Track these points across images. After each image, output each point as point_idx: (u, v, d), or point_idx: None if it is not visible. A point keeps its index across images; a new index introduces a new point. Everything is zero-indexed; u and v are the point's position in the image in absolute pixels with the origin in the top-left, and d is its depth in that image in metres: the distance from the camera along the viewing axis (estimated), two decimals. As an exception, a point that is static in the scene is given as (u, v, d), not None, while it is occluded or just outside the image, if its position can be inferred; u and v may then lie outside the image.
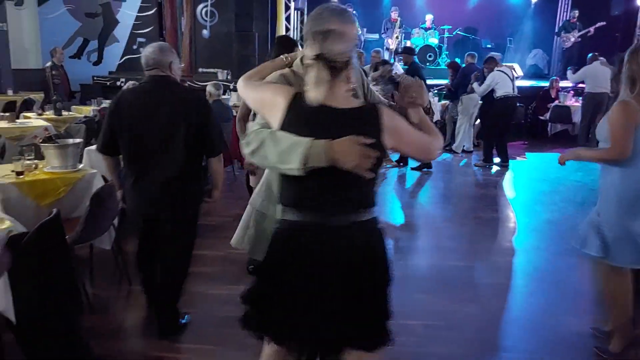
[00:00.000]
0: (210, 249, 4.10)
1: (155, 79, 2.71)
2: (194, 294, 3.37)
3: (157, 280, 2.94)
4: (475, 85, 7.63)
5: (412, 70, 7.08)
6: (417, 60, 8.50)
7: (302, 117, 1.62)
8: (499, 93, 7.19)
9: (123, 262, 3.58)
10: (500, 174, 7.25)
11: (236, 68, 10.19)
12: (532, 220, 5.33)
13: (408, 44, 11.94)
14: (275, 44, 3.35)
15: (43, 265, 2.45)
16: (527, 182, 7.10)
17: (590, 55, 8.78)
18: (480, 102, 7.84)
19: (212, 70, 10.93)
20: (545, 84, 10.22)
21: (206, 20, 11.46)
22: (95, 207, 3.11)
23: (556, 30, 12.25)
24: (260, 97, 1.76)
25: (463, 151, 8.42)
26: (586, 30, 11.01)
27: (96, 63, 11.89)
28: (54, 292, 2.48)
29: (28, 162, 3.42)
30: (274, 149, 1.60)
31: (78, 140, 3.72)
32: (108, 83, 10.90)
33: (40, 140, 3.59)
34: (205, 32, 11.42)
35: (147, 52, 2.71)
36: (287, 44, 3.19)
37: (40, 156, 3.63)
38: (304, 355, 1.91)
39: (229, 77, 10.47)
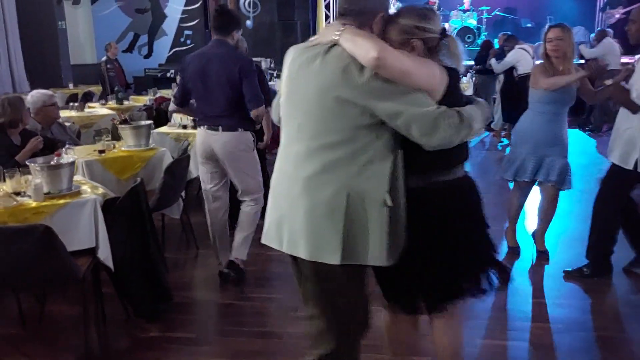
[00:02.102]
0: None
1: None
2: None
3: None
4: (492, 61, 7.51)
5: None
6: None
7: (454, 90, 1.73)
8: (520, 71, 7.04)
9: (191, 229, 4.06)
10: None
11: (279, 56, 10.51)
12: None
13: (446, 26, 12.06)
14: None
15: (134, 223, 2.93)
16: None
17: (598, 30, 8.62)
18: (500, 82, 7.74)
19: (256, 59, 11.34)
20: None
21: (249, 11, 11.90)
22: (168, 179, 3.58)
23: (600, 6, 12.08)
24: (416, 71, 1.60)
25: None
26: (632, 7, 10.83)
27: (147, 56, 12.56)
28: (143, 244, 2.96)
29: (107, 141, 3.92)
30: (479, 120, 1.68)
31: (149, 122, 4.21)
32: (159, 75, 11.52)
33: (118, 123, 4.08)
34: (248, 22, 11.86)
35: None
36: None
37: (117, 137, 4.13)
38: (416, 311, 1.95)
39: (272, 65, 10.90)
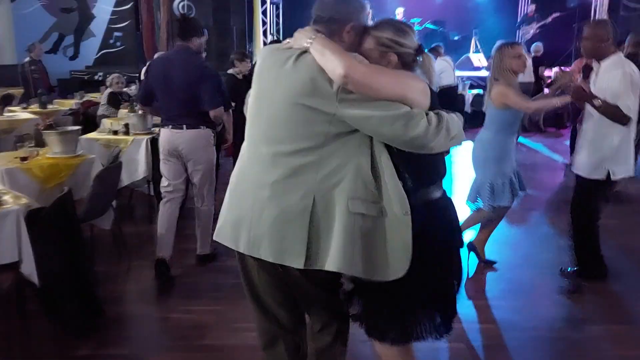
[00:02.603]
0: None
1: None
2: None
3: None
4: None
5: None
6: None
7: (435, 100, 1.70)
8: (443, 82, 7.20)
9: (122, 241, 3.88)
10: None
11: (215, 61, 10.42)
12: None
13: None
14: None
15: (61, 234, 2.76)
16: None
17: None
18: None
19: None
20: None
21: (183, 14, 11.64)
22: (97, 188, 3.41)
23: (517, 24, 12.83)
24: (403, 84, 1.64)
25: None
26: (544, 21, 11.59)
27: (72, 58, 11.98)
28: (71, 257, 2.80)
29: (30, 148, 3.68)
30: (457, 127, 1.66)
31: (77, 127, 4.00)
32: (86, 77, 11.04)
33: (42, 128, 3.85)
34: (182, 26, 11.61)
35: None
36: None
37: (40, 143, 3.89)
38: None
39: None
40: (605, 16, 10.70)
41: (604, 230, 3.49)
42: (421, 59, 1.78)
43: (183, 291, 3.42)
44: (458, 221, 1.89)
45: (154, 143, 4.61)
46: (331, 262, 1.61)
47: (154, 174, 4.60)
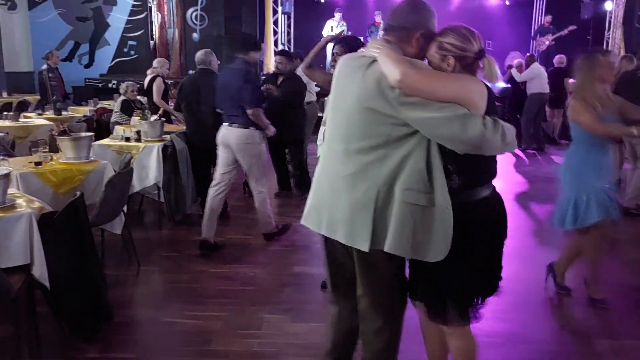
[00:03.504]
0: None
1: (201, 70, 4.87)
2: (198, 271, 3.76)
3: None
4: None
5: None
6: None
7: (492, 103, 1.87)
8: None
9: (132, 245, 3.92)
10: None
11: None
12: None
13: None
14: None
15: (72, 238, 2.80)
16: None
17: (523, 57, 9.19)
18: None
19: (202, 72, 11.25)
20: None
21: (196, 24, 11.78)
22: (109, 193, 3.45)
23: (532, 35, 12.80)
24: (461, 87, 1.79)
25: None
26: (560, 33, 11.55)
27: (87, 66, 12.15)
28: (81, 261, 2.84)
29: (44, 153, 3.75)
30: (511, 134, 1.83)
31: (90, 133, 4.06)
32: (100, 85, 11.18)
33: (56, 134, 3.91)
34: (195, 35, 11.74)
35: (198, 54, 4.92)
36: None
37: (54, 148, 3.96)
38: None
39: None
40: (619, 28, 10.68)
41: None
42: (483, 63, 1.90)
43: (190, 296, 3.45)
44: (505, 217, 2.03)
45: (165, 150, 4.69)
46: (387, 244, 1.82)
47: (165, 181, 4.68)
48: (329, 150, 1.99)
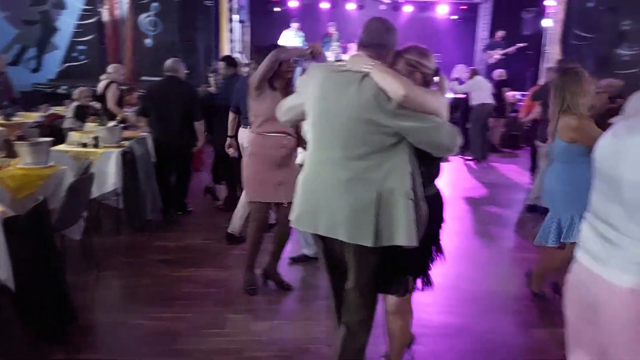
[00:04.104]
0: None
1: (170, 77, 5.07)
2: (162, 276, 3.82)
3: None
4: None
5: None
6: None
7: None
8: None
9: (92, 251, 3.93)
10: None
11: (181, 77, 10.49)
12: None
13: (344, 57, 12.69)
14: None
15: (37, 242, 2.83)
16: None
17: (467, 69, 9.67)
18: None
19: (156, 78, 11.14)
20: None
21: (149, 30, 11.68)
22: (70, 198, 3.47)
23: (483, 47, 13.42)
24: (431, 99, 2.08)
25: None
26: (509, 49, 12.17)
27: (35, 70, 11.79)
28: (46, 264, 2.86)
29: (2, 158, 3.72)
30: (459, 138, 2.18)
31: (49, 138, 4.04)
32: (48, 90, 10.88)
33: (14, 139, 3.88)
34: (148, 41, 11.64)
35: (168, 62, 5.15)
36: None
37: (12, 154, 3.92)
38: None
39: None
40: (557, 44, 11.36)
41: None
42: (438, 79, 2.22)
43: (153, 299, 3.51)
44: (442, 214, 2.38)
45: (124, 156, 4.70)
46: (399, 238, 2.09)
47: (124, 187, 4.68)
48: (320, 158, 2.19)
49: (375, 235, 2.09)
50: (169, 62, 5.15)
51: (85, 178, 3.71)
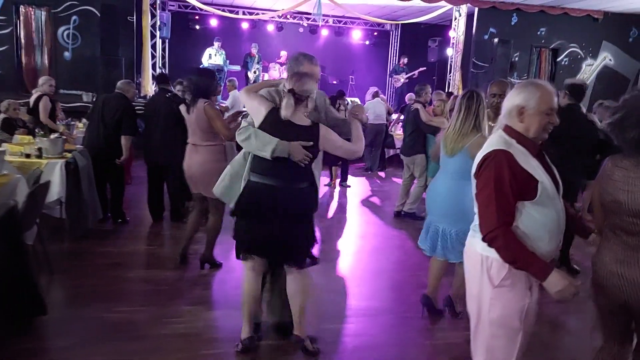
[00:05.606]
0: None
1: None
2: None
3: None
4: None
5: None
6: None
7: (274, 124, 2.80)
8: None
9: (45, 254, 4.15)
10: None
11: (102, 91, 10.49)
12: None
13: (265, 76, 13.28)
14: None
15: (6, 241, 3.12)
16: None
17: (373, 91, 10.63)
18: None
19: (76, 92, 11.10)
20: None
21: (68, 43, 11.58)
22: (30, 204, 3.72)
23: (389, 72, 14.59)
24: (251, 105, 2.89)
25: None
26: (412, 73, 13.40)
27: (-57, 81, 11.24)
28: (15, 260, 3.15)
29: (-46, 167, 3.88)
30: (255, 141, 2.79)
31: (3, 148, 4.22)
32: (-41, 102, 10.44)
33: (-33, 149, 4.04)
34: (67, 54, 11.54)
35: (120, 83, 5.74)
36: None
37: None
38: (265, 268, 3.12)
39: (94, 99, 10.74)
40: (458, 71, 12.68)
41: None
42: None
43: (111, 297, 3.81)
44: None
45: (68, 166, 4.92)
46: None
47: (67, 196, 4.89)
48: None
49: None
50: (121, 83, 5.76)
51: (43, 185, 3.96)
